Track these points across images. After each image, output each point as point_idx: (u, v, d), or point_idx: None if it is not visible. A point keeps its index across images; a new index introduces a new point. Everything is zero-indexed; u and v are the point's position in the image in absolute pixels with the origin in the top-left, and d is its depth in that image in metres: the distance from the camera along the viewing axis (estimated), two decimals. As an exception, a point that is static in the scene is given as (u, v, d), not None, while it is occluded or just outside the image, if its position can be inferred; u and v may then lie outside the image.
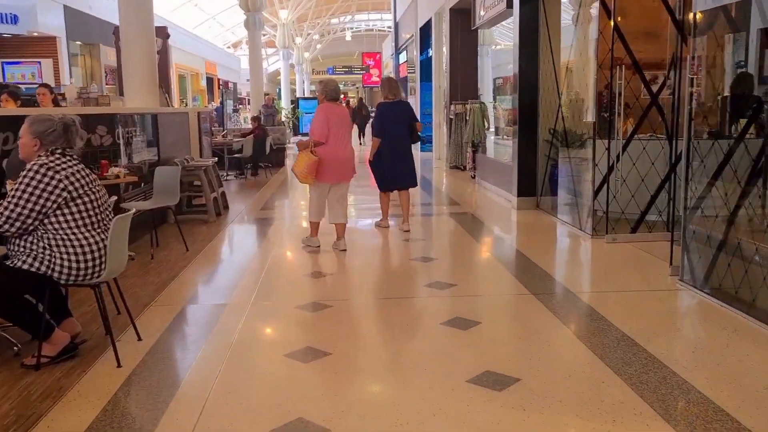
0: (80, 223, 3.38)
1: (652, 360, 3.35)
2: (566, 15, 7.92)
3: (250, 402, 3.01)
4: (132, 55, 8.09)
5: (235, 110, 25.69)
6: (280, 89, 34.84)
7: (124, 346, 3.67)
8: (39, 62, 13.00)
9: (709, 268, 4.48)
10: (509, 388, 3.07)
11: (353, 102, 27.85)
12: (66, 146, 3.46)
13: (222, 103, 21.52)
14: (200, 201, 8.31)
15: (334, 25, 45.27)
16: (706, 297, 4.36)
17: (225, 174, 12.46)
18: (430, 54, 16.04)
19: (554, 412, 2.84)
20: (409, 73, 20.89)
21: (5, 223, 3.26)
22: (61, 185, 3.31)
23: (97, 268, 3.43)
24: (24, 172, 3.30)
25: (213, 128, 14.38)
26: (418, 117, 8.00)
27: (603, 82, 6.24)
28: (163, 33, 11.38)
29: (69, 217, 3.35)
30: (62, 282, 3.39)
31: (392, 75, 24.59)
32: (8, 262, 3.36)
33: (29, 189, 3.26)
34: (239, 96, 30.94)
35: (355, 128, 21.80)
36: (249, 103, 24.08)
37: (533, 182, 8.18)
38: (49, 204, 3.29)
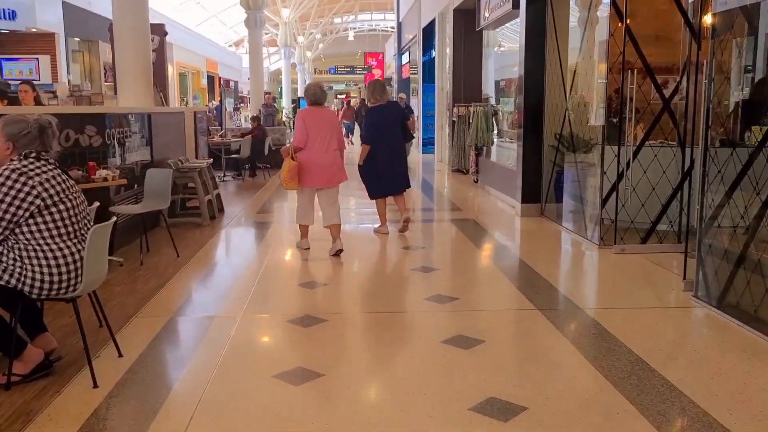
0: (55, 232, 3.14)
1: (669, 387, 3.11)
2: (572, 17, 7.67)
3: (235, 430, 2.78)
4: (125, 52, 7.84)
5: (236, 109, 25.43)
6: (281, 88, 34.64)
7: (103, 362, 3.44)
8: (37, 59, 12.74)
9: (726, 284, 4.24)
10: (515, 418, 2.83)
11: (355, 102, 27.57)
12: (41, 149, 3.22)
13: (222, 101, 21.26)
14: (194, 203, 8.05)
15: (336, 24, 45.10)
16: (722, 315, 4.12)
17: (222, 175, 12.23)
18: (434, 55, 15.80)
19: (565, 448, 2.60)
20: (411, 74, 20.68)
21: (-27, 232, 3.02)
22: (35, 192, 3.07)
23: (72, 281, 3.19)
24: (-6, 178, 3.06)
25: (211, 127, 14.13)
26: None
27: (613, 86, 6.00)
28: (160, 30, 11.13)
29: (42, 227, 3.11)
30: (34, 296, 3.15)
31: (394, 76, 24.38)
32: (-24, 274, 3.12)
33: (-1, 196, 3.02)
34: (240, 95, 30.66)
35: (357, 129, 21.55)
36: (249, 102, 23.82)
37: (538, 188, 7.92)
38: (20, 212, 3.04)
